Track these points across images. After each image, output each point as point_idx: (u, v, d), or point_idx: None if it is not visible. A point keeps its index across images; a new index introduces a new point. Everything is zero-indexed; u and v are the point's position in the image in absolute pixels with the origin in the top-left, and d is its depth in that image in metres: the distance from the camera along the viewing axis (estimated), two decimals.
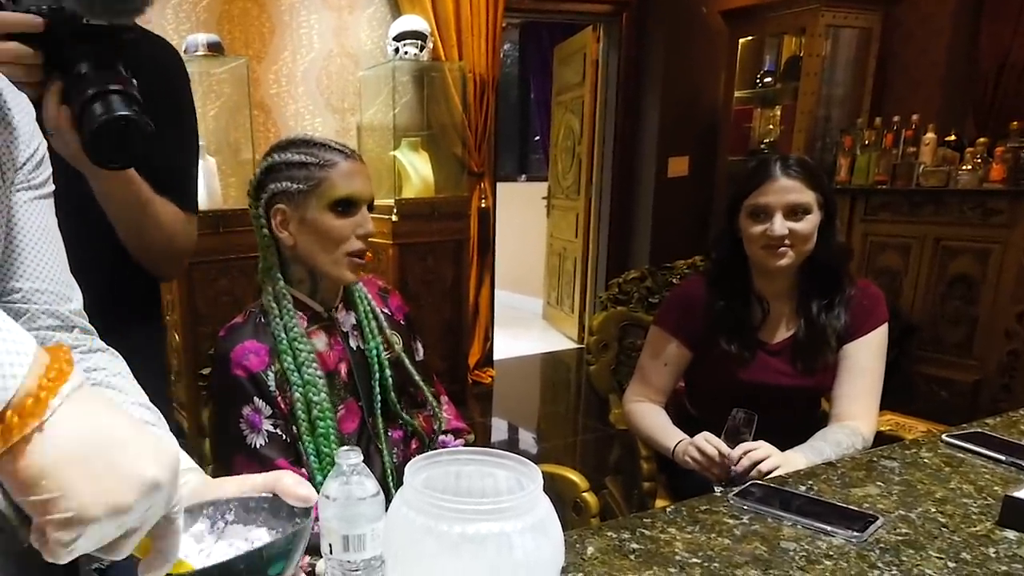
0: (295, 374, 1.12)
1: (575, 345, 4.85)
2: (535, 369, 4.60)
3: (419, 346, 1.34)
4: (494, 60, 3.82)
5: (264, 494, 0.55)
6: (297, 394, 1.12)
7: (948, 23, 3.79)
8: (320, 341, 1.17)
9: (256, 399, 1.10)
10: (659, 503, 1.52)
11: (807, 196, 1.33)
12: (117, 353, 0.75)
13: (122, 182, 0.93)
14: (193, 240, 1.09)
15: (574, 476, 1.31)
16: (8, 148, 0.63)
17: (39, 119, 0.81)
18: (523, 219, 5.53)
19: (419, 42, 3.52)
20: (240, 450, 1.10)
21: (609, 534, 0.92)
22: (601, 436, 3.38)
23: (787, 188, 1.32)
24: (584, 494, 1.31)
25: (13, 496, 0.38)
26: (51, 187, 0.70)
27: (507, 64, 5.90)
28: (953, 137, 3.51)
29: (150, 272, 1.09)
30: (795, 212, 1.32)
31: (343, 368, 1.19)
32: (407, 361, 1.27)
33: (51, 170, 0.70)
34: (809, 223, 1.33)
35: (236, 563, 0.48)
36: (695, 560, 0.86)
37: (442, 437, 1.34)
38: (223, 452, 1.18)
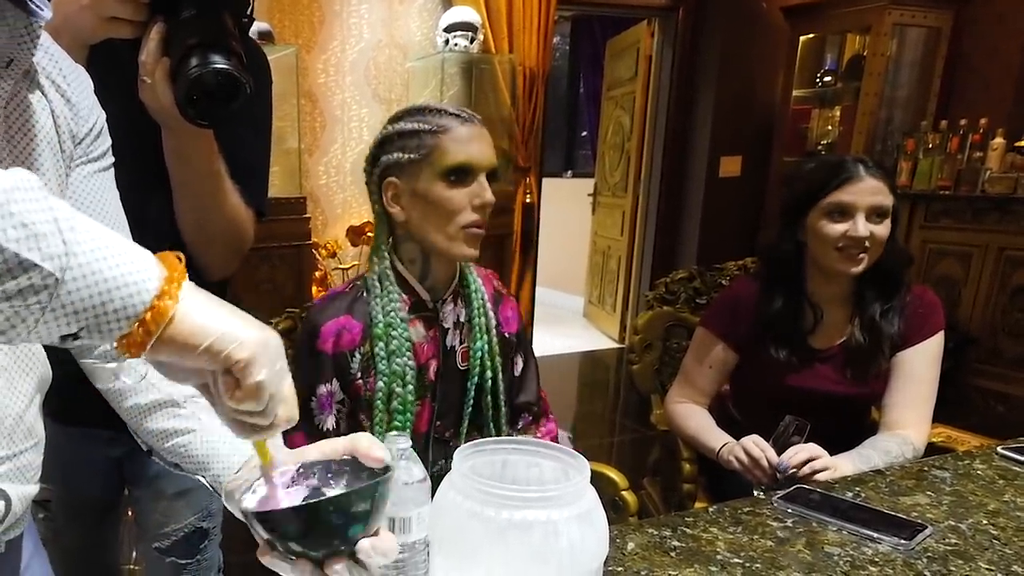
0: (384, 362, 1.05)
1: (616, 345, 4.82)
2: (574, 368, 4.58)
3: (519, 361, 1.23)
4: (545, 53, 3.81)
5: (345, 457, 0.57)
6: (381, 383, 1.05)
7: None
8: (417, 332, 1.09)
9: (334, 380, 1.05)
10: (698, 506, 1.51)
11: (889, 200, 1.28)
12: None
13: (202, 145, 0.88)
14: (250, 240, 1.03)
15: (613, 474, 1.31)
16: (68, 123, 0.63)
17: (134, 63, 0.81)
18: (567, 215, 5.50)
19: (470, 34, 3.53)
20: (304, 424, 1.12)
21: (650, 531, 0.92)
22: (638, 437, 3.36)
23: (873, 189, 1.27)
24: (623, 492, 1.31)
25: (183, 366, 0.46)
26: (110, 159, 0.70)
27: (557, 58, 5.87)
28: (1023, 143, 3.36)
29: (205, 269, 1.00)
30: (877, 215, 1.28)
31: (432, 365, 1.11)
32: (500, 377, 1.16)
33: (110, 142, 0.70)
34: (887, 228, 1.28)
35: (325, 504, 0.50)
36: (736, 560, 0.86)
37: None
38: None
